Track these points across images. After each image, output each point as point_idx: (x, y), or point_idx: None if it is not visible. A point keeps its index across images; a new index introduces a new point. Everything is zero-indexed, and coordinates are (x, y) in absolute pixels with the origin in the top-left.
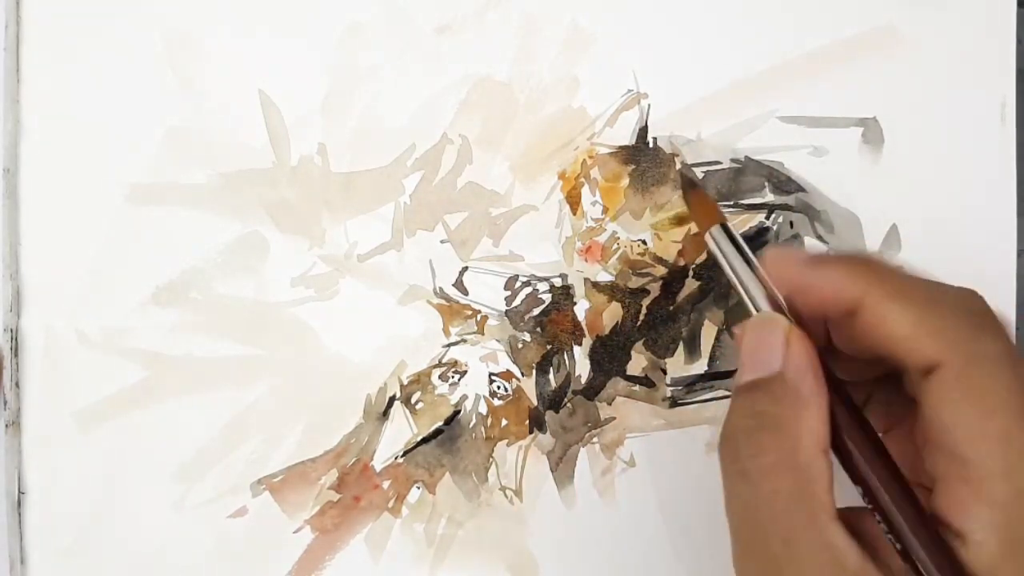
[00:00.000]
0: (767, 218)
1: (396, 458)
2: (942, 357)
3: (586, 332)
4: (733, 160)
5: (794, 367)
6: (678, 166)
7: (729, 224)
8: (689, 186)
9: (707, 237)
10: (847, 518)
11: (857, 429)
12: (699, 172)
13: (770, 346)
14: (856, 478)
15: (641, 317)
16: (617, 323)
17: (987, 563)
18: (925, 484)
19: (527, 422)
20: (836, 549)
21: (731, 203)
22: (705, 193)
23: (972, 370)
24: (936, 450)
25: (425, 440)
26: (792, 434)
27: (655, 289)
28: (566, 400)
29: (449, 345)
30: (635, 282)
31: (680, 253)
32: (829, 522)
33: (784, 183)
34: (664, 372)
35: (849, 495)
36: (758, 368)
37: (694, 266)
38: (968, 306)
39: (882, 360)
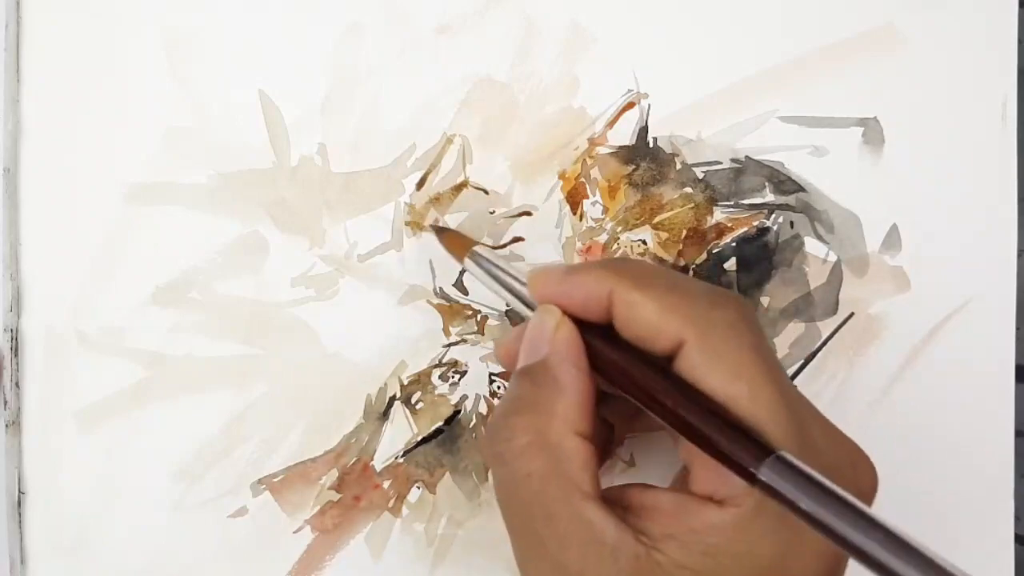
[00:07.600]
0: (767, 218)
1: (396, 458)
2: (684, 333)
3: None
4: (733, 160)
5: (555, 353)
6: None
7: (482, 246)
8: (439, 232)
9: (467, 263)
10: (614, 494)
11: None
12: (699, 172)
13: (541, 334)
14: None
15: None
16: None
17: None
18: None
19: None
20: (592, 524)
21: (731, 203)
22: (454, 230)
23: (710, 339)
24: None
25: (425, 440)
26: (544, 416)
27: None
28: None
29: (449, 345)
30: None
31: (680, 253)
32: (583, 500)
33: (784, 183)
34: None
35: None
36: (530, 355)
37: (694, 266)
38: (708, 289)
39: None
